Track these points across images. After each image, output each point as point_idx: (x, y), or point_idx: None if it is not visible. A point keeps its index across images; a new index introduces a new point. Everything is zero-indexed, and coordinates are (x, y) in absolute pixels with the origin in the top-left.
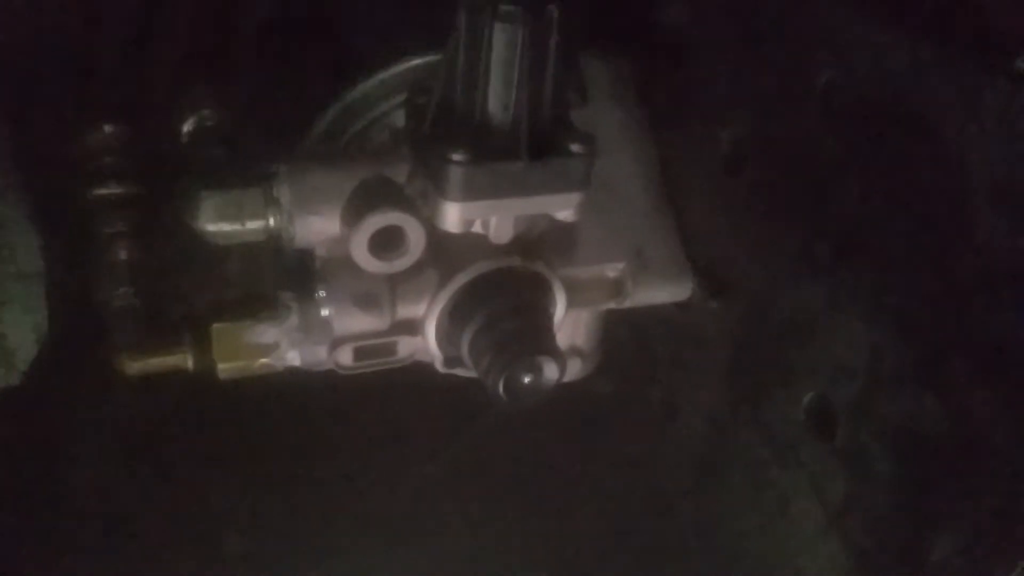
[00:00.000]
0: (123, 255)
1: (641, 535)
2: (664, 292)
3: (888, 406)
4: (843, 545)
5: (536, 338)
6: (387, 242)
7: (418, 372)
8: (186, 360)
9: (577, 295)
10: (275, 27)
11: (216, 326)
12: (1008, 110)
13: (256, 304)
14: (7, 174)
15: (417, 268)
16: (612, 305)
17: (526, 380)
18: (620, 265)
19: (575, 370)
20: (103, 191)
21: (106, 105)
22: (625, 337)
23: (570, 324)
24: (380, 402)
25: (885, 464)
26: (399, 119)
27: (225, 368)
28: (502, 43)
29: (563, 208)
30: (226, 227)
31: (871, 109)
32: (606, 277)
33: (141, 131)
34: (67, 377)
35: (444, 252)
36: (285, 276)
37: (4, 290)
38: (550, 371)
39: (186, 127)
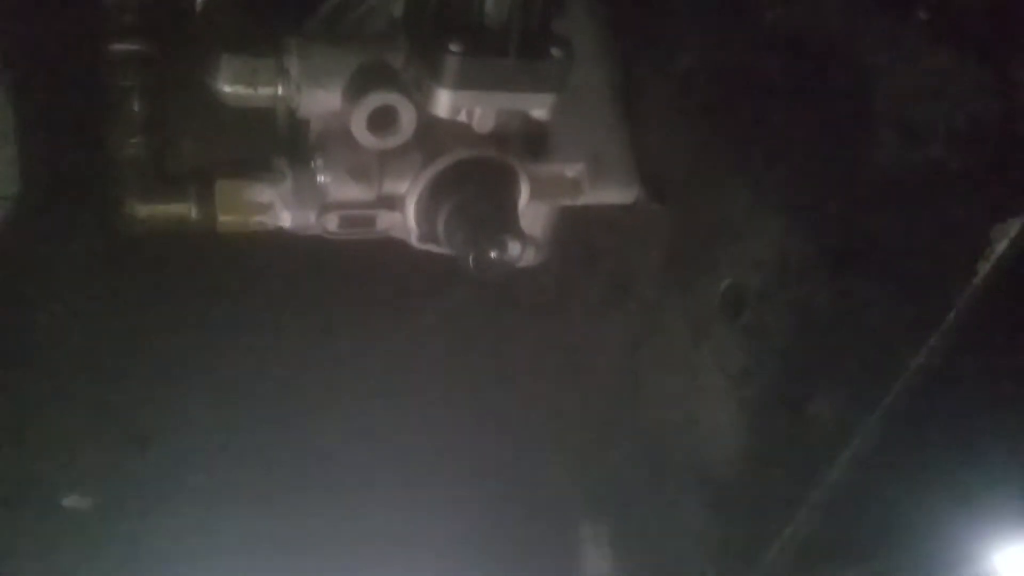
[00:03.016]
0: (136, 108)
1: (573, 408)
2: (614, 194)
3: (789, 292)
4: (739, 407)
5: (504, 220)
6: (381, 120)
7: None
8: (190, 210)
9: (539, 188)
10: None
11: (220, 181)
12: (911, 51)
13: (255, 166)
14: None
15: (405, 148)
16: (568, 201)
17: (493, 256)
18: (579, 166)
19: (530, 256)
20: (122, 46)
21: None
22: (574, 232)
23: (529, 214)
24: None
25: (779, 339)
26: (397, 9)
27: (225, 221)
28: None
29: (539, 107)
30: (240, 90)
31: (803, 43)
32: (566, 176)
33: None
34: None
35: (430, 136)
36: (280, 144)
37: None
38: (514, 249)
39: None
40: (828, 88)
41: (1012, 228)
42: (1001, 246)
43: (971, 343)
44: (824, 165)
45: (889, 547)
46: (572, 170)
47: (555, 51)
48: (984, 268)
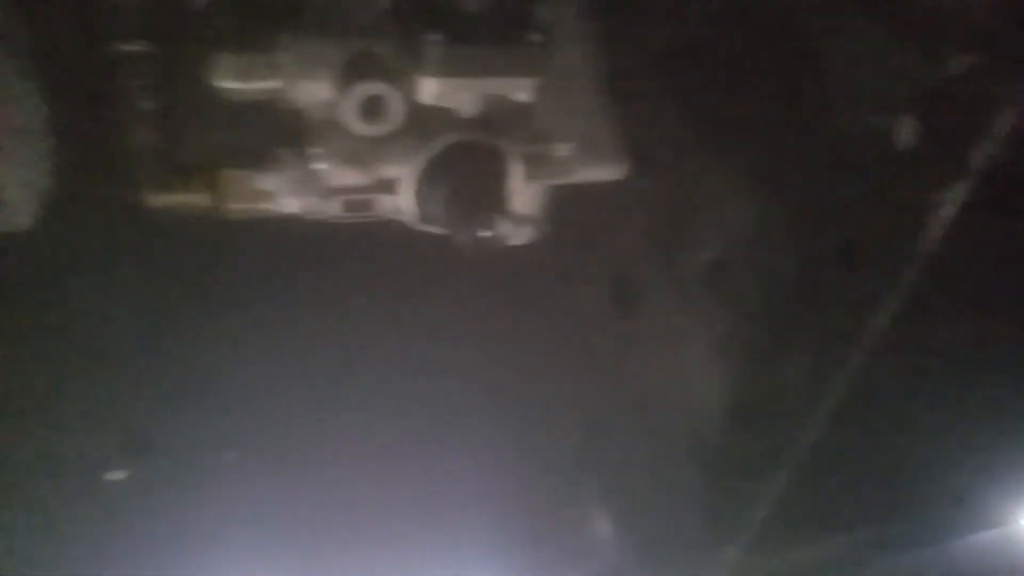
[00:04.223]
0: (144, 105)
1: (567, 373)
2: (604, 171)
3: (761, 261)
4: (725, 367)
5: (490, 200)
6: (371, 109)
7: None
8: (202, 199)
9: (531, 169)
10: None
11: (227, 171)
12: (850, 25)
13: (260, 155)
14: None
15: (397, 134)
16: (560, 180)
17: (485, 235)
18: (570, 146)
19: (524, 235)
20: (125, 47)
21: None
22: (569, 209)
23: (523, 194)
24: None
25: (754, 306)
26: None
27: (235, 209)
28: None
29: (521, 90)
30: (238, 85)
31: (762, 25)
32: (557, 155)
33: None
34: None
35: (420, 122)
36: (281, 133)
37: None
38: (505, 228)
39: None
40: (783, 61)
41: (955, 195)
42: (945, 212)
43: (922, 306)
44: (785, 137)
45: (891, 511)
46: (563, 149)
47: (533, 36)
48: (927, 235)
